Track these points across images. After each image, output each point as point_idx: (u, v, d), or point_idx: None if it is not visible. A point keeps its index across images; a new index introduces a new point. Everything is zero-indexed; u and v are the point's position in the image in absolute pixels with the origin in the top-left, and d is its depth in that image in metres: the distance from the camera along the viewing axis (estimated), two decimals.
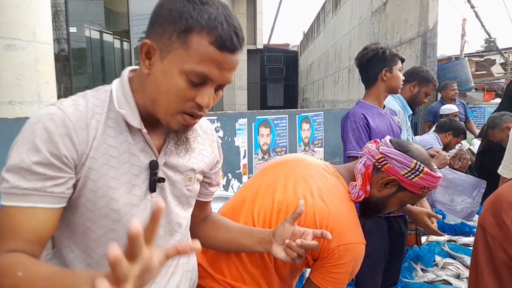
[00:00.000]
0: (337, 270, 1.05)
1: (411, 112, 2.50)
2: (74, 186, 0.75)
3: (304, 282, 1.15)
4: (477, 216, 2.76)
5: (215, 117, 3.08)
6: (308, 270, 1.16)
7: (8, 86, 2.34)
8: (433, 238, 3.09)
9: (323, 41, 12.79)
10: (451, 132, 3.16)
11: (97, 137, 0.75)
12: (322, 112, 4.41)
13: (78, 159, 0.73)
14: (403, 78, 2.02)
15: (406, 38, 5.65)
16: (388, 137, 1.23)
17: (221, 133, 3.13)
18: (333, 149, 4.47)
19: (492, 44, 12.46)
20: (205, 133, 0.96)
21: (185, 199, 0.90)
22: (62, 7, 4.55)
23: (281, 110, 4.00)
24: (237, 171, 3.32)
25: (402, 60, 1.97)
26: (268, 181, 1.20)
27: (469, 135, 4.54)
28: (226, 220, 1.09)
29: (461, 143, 3.43)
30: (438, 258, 2.82)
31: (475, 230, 0.95)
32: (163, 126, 0.78)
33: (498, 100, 6.71)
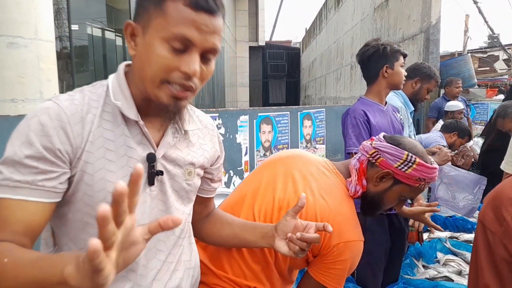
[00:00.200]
0: (336, 266, 1.07)
1: (413, 109, 2.50)
2: (70, 181, 0.75)
3: (302, 276, 1.16)
4: (477, 212, 2.76)
5: (217, 114, 3.07)
6: None
7: (10, 83, 2.34)
8: (435, 234, 3.08)
9: (325, 37, 12.75)
10: (456, 132, 3.14)
11: (92, 130, 0.75)
12: (324, 109, 4.41)
13: (73, 153, 0.73)
14: (406, 73, 2.01)
15: (408, 34, 5.62)
16: (382, 133, 1.24)
17: (222, 130, 3.13)
18: (335, 146, 4.47)
19: (495, 40, 12.40)
20: (205, 128, 0.95)
21: (185, 194, 0.89)
22: (64, 4, 4.55)
23: (283, 107, 3.99)
24: (238, 168, 3.32)
25: (405, 56, 1.96)
26: (268, 178, 1.20)
27: None
28: (229, 216, 1.09)
29: None
30: (440, 255, 2.81)
31: None
32: (160, 115, 0.78)
33: (501, 97, 6.67)
